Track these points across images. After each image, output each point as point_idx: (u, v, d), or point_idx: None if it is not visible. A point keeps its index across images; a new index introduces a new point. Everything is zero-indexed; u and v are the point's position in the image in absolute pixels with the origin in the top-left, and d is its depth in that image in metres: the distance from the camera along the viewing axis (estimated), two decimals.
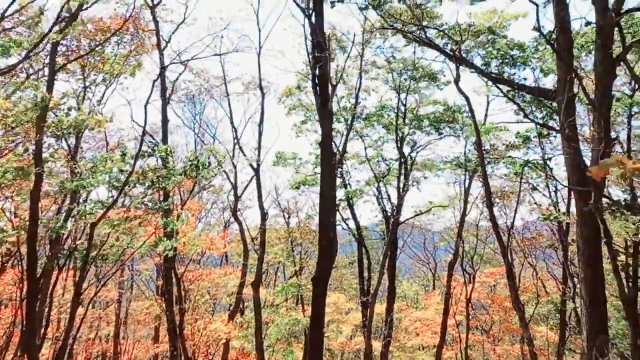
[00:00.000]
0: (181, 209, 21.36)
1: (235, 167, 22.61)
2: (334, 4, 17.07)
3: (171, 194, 20.32)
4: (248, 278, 22.42)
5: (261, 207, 21.80)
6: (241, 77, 23.85)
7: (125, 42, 19.71)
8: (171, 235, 17.95)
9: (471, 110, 16.06)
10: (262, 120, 21.75)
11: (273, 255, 27.98)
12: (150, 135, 20.35)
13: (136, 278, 29.78)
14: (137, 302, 27.96)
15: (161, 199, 17.79)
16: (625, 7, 12.75)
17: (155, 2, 19.20)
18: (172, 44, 20.84)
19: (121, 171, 15.18)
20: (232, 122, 22.44)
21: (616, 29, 12.59)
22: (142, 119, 16.62)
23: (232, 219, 23.80)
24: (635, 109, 15.11)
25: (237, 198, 22.72)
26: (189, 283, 23.83)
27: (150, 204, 16.79)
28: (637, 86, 13.98)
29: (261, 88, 21.71)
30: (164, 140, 19.32)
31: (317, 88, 15.32)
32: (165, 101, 19.35)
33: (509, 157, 18.53)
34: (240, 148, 22.11)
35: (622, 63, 13.18)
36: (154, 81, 17.55)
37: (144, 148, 16.67)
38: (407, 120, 21.80)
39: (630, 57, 14.08)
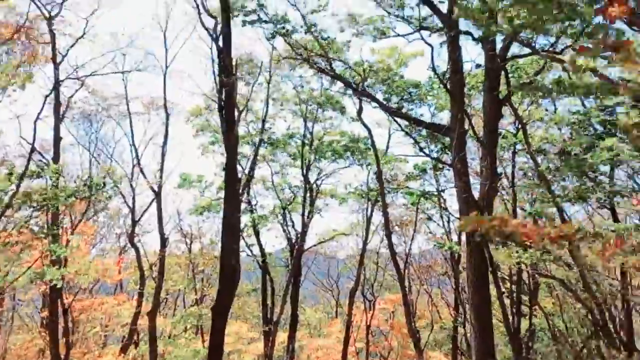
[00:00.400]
0: (72, 233, 19.99)
1: (133, 189, 21.63)
2: (245, 24, 17.13)
3: (61, 216, 18.97)
4: (144, 307, 21.29)
5: (161, 232, 20.95)
6: (144, 96, 22.93)
7: (16, 52, 18.41)
8: (59, 263, 16.70)
9: (372, 142, 16.67)
10: (165, 142, 21.10)
11: (172, 283, 26.87)
12: (40, 153, 18.99)
13: (18, 308, 27.22)
14: (18, 335, 25.49)
15: (49, 222, 16.56)
16: (511, 53, 14.01)
17: (52, 14, 18.17)
18: (70, 59, 19.78)
19: (2, 191, 13.94)
20: (132, 143, 21.54)
21: (502, 73, 13.79)
22: (31, 136, 15.46)
23: (129, 245, 22.61)
24: (518, 146, 16.46)
25: (134, 222, 21.67)
26: (78, 313, 22.19)
27: (35, 228, 15.56)
28: (520, 125, 15.23)
29: (166, 108, 21.12)
30: (55, 159, 18.09)
31: (224, 112, 15.17)
32: (59, 118, 18.20)
33: (407, 187, 19.39)
34: (141, 170, 21.23)
35: (507, 104, 14.42)
36: (47, 96, 16.50)
37: (33, 167, 15.54)
38: (313, 148, 22.14)
39: (514, 98, 15.40)
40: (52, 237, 15.94)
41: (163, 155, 20.83)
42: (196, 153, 23.63)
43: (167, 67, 20.65)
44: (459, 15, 11.32)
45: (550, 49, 13.29)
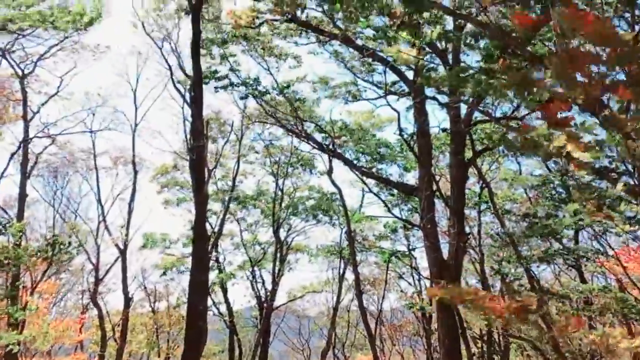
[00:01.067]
0: (31, 293, 19.20)
1: (98, 246, 21.11)
2: (218, 89, 17.40)
3: (21, 275, 18.28)
4: None
5: (125, 292, 20.34)
6: (112, 152, 22.78)
7: None
8: (16, 326, 15.94)
9: (343, 201, 16.82)
10: (133, 199, 20.84)
11: (136, 344, 25.83)
12: (4, 210, 18.52)
13: None
14: None
15: (9, 283, 15.94)
16: (476, 117, 14.55)
17: (25, 73, 18.14)
18: (41, 115, 19.60)
19: None
20: (98, 199, 21.20)
21: (467, 136, 14.28)
22: None
23: (91, 304, 21.80)
24: (484, 206, 16.84)
25: (98, 281, 21.02)
26: None
27: None
28: (485, 186, 15.63)
29: (134, 166, 20.98)
30: (20, 216, 17.62)
31: (194, 172, 15.16)
32: (25, 175, 17.86)
33: (379, 247, 19.46)
34: (106, 227, 20.82)
35: (472, 166, 14.86)
36: (13, 154, 16.25)
37: None
38: (283, 205, 22.14)
39: (479, 160, 15.88)
40: (10, 299, 15.29)
41: (130, 212, 20.53)
42: (163, 209, 23.31)
43: (136, 125, 20.70)
44: (422, 83, 11.80)
45: (511, 115, 13.91)
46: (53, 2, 15.24)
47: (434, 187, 14.12)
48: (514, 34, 5.39)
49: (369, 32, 14.76)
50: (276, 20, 16.31)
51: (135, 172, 20.72)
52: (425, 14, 6.59)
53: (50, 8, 15.04)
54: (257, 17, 14.06)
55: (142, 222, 25.65)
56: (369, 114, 19.18)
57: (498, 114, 14.46)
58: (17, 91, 18.54)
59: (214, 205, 22.12)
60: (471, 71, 7.41)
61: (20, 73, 17.82)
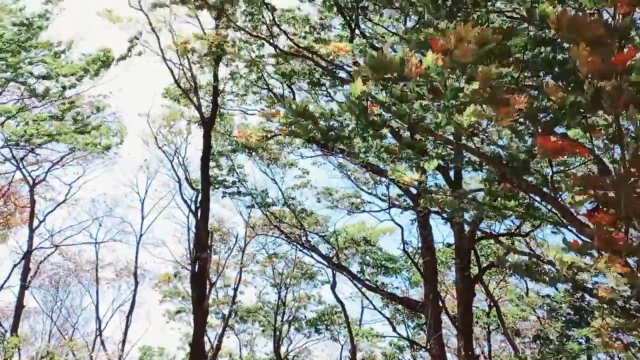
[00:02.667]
0: None
1: None
2: (225, 195, 17.66)
3: None
4: None
5: None
6: (116, 264, 22.60)
7: None
8: None
9: (346, 317, 16.32)
10: (131, 311, 20.28)
11: None
12: None
13: None
14: None
15: None
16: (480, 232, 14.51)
17: (36, 180, 18.55)
18: (46, 223, 19.81)
19: None
20: (97, 313, 20.67)
21: (472, 252, 14.14)
22: None
23: None
24: (493, 325, 16.22)
25: None
26: None
27: None
28: (493, 304, 15.17)
29: (135, 277, 20.69)
30: (14, 328, 17.05)
31: (195, 285, 14.98)
32: (25, 285, 17.57)
33: None
34: (102, 342, 20.04)
35: (479, 282, 14.53)
36: (16, 264, 16.13)
37: None
38: (285, 319, 21.48)
39: (486, 277, 15.59)
40: None
41: (127, 326, 19.88)
42: (162, 320, 22.61)
43: (141, 235, 20.74)
44: (426, 203, 11.90)
45: (515, 231, 13.91)
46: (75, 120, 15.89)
47: (440, 305, 13.74)
48: (511, 164, 5.50)
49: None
50: (283, 134, 17.00)
51: (136, 284, 20.41)
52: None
53: (75, 126, 15.65)
54: (267, 136, 14.64)
55: (141, 334, 24.76)
56: (372, 226, 19.24)
57: (502, 229, 14.45)
58: (25, 197, 18.84)
59: (213, 319, 21.47)
60: (472, 194, 7.51)
61: (30, 181, 18.13)
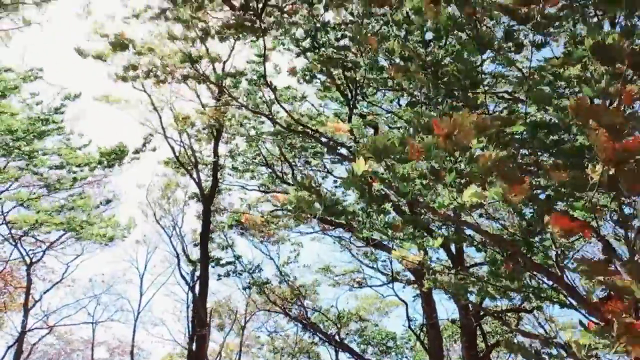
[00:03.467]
0: None
1: None
2: (220, 277, 17.34)
3: None
4: None
5: None
6: (111, 342, 21.89)
7: None
8: None
9: None
10: None
11: None
12: None
13: None
14: None
15: None
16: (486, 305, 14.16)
17: (33, 260, 18.29)
18: (42, 303, 19.34)
19: None
20: None
21: (479, 329, 13.74)
22: None
23: None
24: None
25: None
26: None
27: None
28: None
29: (132, 357, 19.95)
30: None
31: None
32: None
33: None
34: None
35: None
36: (10, 346, 15.60)
37: None
38: None
39: (494, 353, 15.04)
40: None
41: None
42: None
43: (139, 312, 20.23)
44: (429, 284, 11.68)
45: (520, 307, 13.57)
46: (86, 212, 15.99)
47: None
48: (515, 242, 5.46)
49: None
50: (283, 209, 17.02)
51: None
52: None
53: (85, 217, 15.74)
54: (269, 220, 14.70)
55: None
56: (375, 299, 18.79)
57: (506, 304, 14.12)
58: (22, 278, 18.51)
59: None
60: (475, 273, 7.39)
61: (28, 260, 17.87)
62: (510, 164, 3.32)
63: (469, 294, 7.03)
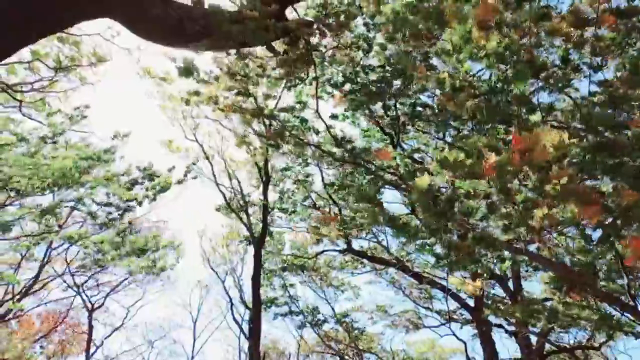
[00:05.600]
0: None
1: None
2: (277, 316, 17.34)
3: None
4: None
5: None
6: None
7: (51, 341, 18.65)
8: None
9: None
10: None
11: None
12: None
13: None
14: None
15: None
16: (548, 347, 13.49)
17: (95, 306, 18.84)
18: (103, 348, 19.79)
19: None
20: None
21: None
22: None
23: None
24: None
25: None
26: None
27: None
28: None
29: None
30: None
31: None
32: None
33: None
34: None
35: None
36: None
37: None
38: None
39: None
40: None
41: None
42: None
43: (192, 358, 20.34)
44: (488, 314, 11.37)
45: (587, 344, 12.89)
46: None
47: None
48: (576, 270, 5.30)
49: (426, 258, 15.04)
50: (333, 250, 17.02)
51: None
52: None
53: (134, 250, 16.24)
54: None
55: None
56: (431, 343, 18.27)
57: (572, 340, 13.45)
58: (84, 323, 19.03)
59: None
60: (540, 304, 7.14)
61: (90, 306, 18.40)
62: (583, 185, 3.29)
63: (534, 324, 6.81)
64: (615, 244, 3.87)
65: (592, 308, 5.01)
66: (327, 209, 16.46)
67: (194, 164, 16.92)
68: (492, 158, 3.09)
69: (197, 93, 7.95)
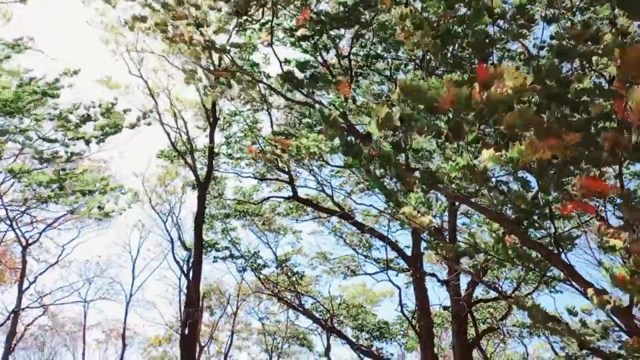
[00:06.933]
0: None
1: None
2: (217, 260, 17.42)
3: None
4: None
5: None
6: (104, 324, 21.93)
7: None
8: None
9: None
10: None
11: None
12: None
13: None
14: None
15: None
16: (477, 296, 14.35)
17: (29, 242, 18.16)
18: (37, 284, 19.35)
19: None
20: None
21: (470, 316, 13.90)
22: None
23: None
24: None
25: None
26: None
27: None
28: None
29: (124, 340, 19.99)
30: None
31: (184, 349, 14.50)
32: (10, 349, 16.84)
33: None
34: None
35: (477, 347, 14.20)
36: (1, 325, 15.57)
37: None
38: None
39: (485, 341, 15.28)
40: None
41: None
42: None
43: (131, 295, 20.27)
44: (428, 248, 11.67)
45: (513, 294, 13.76)
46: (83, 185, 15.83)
47: None
48: (512, 218, 5.55)
49: (368, 209, 15.40)
50: (278, 197, 17.11)
51: (124, 347, 19.69)
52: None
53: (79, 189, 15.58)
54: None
55: None
56: (363, 287, 19.04)
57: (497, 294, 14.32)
58: (18, 258, 18.43)
59: None
60: (474, 240, 7.48)
61: (24, 241, 17.76)
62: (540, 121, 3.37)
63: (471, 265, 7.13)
64: (551, 191, 4.08)
65: (523, 255, 5.29)
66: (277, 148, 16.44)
67: (151, 111, 16.31)
68: (453, 91, 3.13)
69: (143, 19, 7.51)
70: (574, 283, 5.00)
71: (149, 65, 17.51)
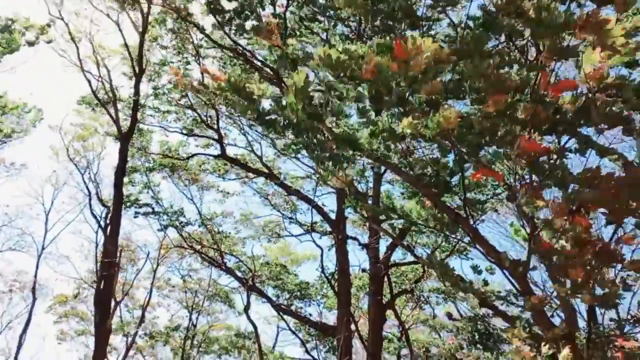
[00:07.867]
0: None
1: None
2: (137, 215, 16.90)
3: None
4: None
5: None
6: (10, 275, 20.95)
7: None
8: None
9: (258, 340, 16.09)
10: (26, 330, 18.63)
11: None
12: None
13: None
14: None
15: None
16: (394, 260, 14.95)
17: None
18: None
19: None
20: None
21: (386, 278, 14.51)
22: None
23: None
24: (404, 350, 16.65)
25: None
26: None
27: None
28: (403, 330, 15.60)
29: (34, 293, 19.17)
30: None
31: (99, 303, 14.12)
32: None
33: None
34: None
35: (391, 308, 14.89)
36: None
37: None
38: (195, 342, 20.74)
39: (402, 304, 16.04)
40: None
41: (20, 346, 18.26)
42: (57, 343, 21.08)
43: (43, 248, 19.36)
44: (349, 205, 11.94)
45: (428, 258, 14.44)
46: None
47: (353, 327, 13.94)
48: (427, 182, 5.75)
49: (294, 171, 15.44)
50: (205, 154, 16.77)
51: (34, 301, 18.90)
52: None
53: None
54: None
55: (33, 355, 22.60)
56: (289, 248, 19.27)
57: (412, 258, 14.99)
58: None
59: (117, 340, 20.31)
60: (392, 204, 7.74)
61: None
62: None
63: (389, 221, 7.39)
64: (465, 158, 4.24)
65: (436, 217, 5.50)
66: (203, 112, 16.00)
67: (49, 25, 15.10)
68: (374, 61, 3.16)
69: None
70: (478, 246, 5.31)
71: (70, 7, 16.37)
